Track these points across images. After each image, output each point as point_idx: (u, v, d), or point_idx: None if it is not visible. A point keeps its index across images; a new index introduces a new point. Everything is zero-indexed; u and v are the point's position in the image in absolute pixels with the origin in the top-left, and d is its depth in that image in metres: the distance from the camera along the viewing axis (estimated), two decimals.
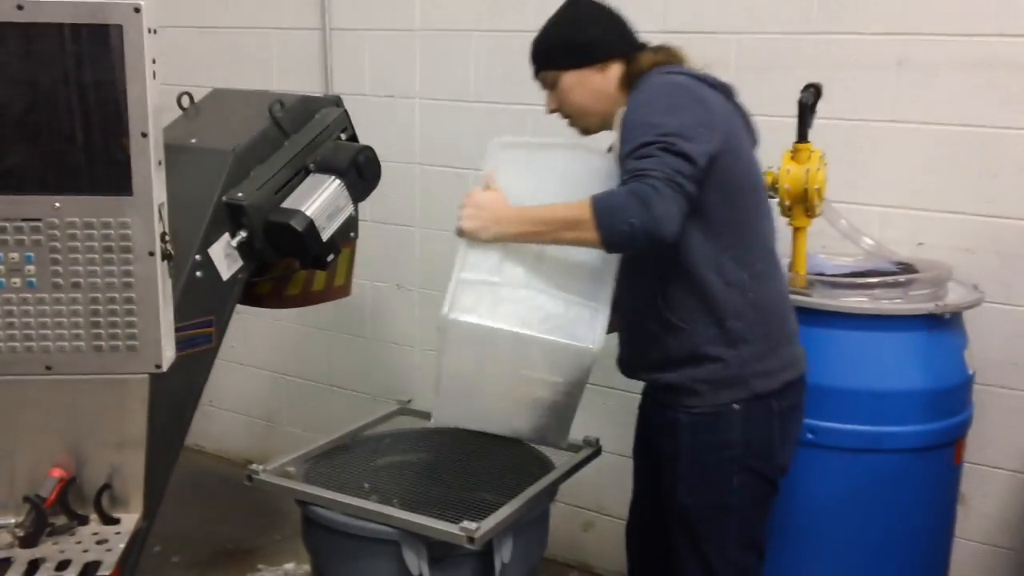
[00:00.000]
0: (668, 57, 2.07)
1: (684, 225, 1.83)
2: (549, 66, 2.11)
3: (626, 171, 1.83)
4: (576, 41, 2.07)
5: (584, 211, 1.83)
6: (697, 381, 1.99)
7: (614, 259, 2.02)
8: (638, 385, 2.22)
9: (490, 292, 1.99)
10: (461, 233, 2.01)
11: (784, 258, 2.47)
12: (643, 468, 2.29)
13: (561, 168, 2.06)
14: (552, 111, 2.14)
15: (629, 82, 2.04)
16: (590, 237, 1.84)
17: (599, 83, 2.06)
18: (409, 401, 2.73)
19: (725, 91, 2.03)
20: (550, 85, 2.12)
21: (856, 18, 2.60)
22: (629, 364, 2.15)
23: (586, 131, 2.14)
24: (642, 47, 2.09)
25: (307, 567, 2.55)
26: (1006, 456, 2.61)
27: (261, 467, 2.25)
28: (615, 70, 2.06)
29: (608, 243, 1.84)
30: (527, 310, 1.99)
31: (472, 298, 1.98)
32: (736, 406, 1.98)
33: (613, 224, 1.80)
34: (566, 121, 2.15)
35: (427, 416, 2.64)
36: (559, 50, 2.09)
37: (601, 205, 1.82)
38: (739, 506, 2.04)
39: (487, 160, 2.13)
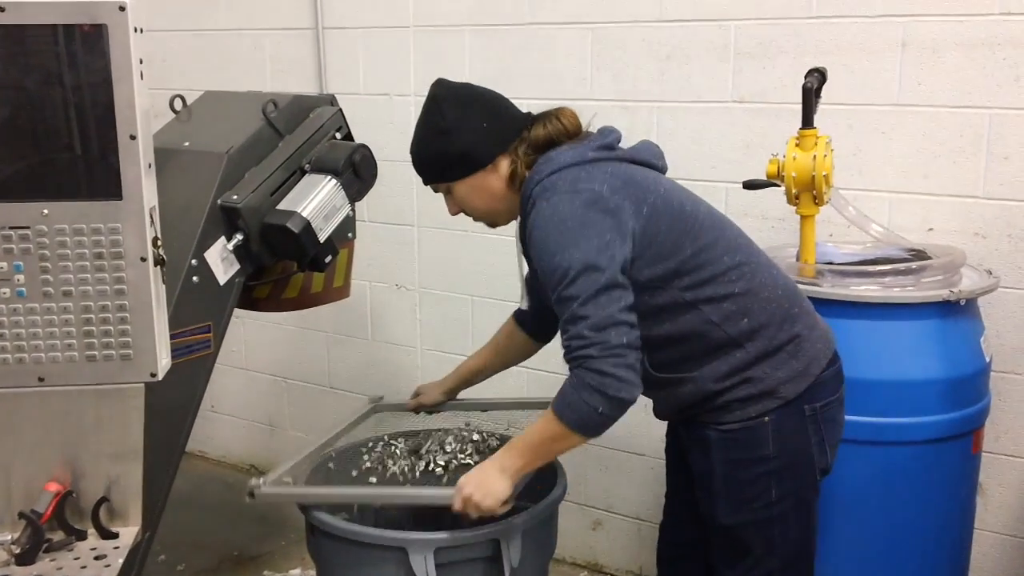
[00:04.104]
0: (554, 131, 1.97)
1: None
2: (435, 180, 2.04)
3: (564, 339, 1.80)
4: (453, 153, 1.96)
5: (554, 424, 1.82)
6: (729, 400, 1.92)
7: None
8: None
9: None
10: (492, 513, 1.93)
11: (792, 248, 2.44)
12: (676, 482, 2.22)
13: None
14: (455, 214, 2.09)
15: (519, 178, 1.97)
16: (577, 440, 1.84)
17: (494, 183, 1.99)
18: (381, 398, 2.65)
19: (609, 148, 1.94)
20: (444, 192, 2.06)
21: (857, 1, 2.55)
22: (666, 413, 2.11)
23: (494, 225, 2.11)
24: (524, 126, 1.98)
25: (313, 572, 2.51)
26: None
27: (261, 481, 2.18)
28: (504, 165, 1.97)
29: (593, 434, 1.83)
30: None
31: None
32: (766, 418, 1.90)
33: (586, 422, 1.80)
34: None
35: (401, 408, 2.56)
36: (439, 164, 2.00)
37: (565, 414, 1.81)
38: (781, 517, 1.95)
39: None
